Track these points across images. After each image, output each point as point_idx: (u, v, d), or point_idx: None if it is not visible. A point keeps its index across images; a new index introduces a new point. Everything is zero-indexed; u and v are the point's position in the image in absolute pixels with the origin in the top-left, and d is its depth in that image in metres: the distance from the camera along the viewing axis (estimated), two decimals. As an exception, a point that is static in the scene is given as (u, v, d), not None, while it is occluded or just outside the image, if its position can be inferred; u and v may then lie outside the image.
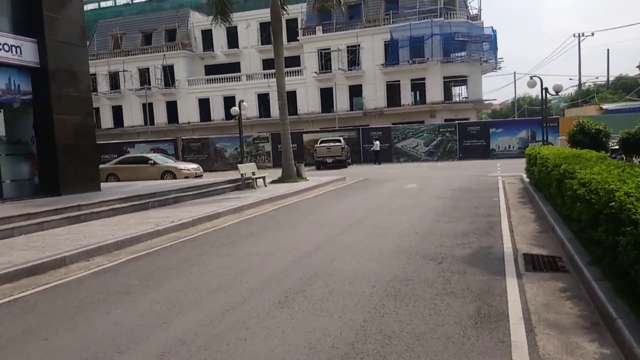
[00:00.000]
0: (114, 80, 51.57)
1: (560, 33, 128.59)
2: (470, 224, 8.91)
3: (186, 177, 23.42)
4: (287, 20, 48.24)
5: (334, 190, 17.00)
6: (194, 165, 24.92)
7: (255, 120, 46.61)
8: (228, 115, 48.11)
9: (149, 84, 49.69)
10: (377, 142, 33.70)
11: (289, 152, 20.09)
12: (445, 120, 39.80)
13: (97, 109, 52.14)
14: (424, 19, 41.94)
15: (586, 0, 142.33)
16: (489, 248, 7.03)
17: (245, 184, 17.34)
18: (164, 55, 49.14)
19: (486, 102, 47.34)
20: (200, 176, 24.19)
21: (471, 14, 46.33)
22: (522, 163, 26.63)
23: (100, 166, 26.64)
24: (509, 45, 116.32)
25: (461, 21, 42.86)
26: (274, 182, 19.41)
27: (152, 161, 23.97)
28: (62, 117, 13.87)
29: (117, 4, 67.51)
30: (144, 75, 50.49)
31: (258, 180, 17.97)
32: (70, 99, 14.23)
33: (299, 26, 46.69)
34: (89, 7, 68.02)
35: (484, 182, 17.03)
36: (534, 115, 64.23)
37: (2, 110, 13.74)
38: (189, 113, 49.47)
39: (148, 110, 49.71)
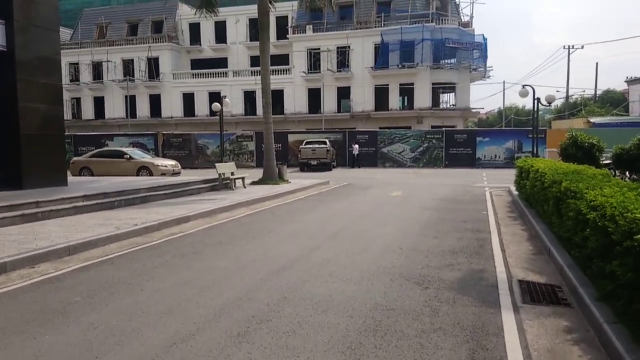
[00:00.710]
0: (97, 71, 50.14)
1: (549, 45, 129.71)
2: (458, 241, 8.25)
3: (163, 174, 22.47)
4: (277, 18, 47.54)
5: (315, 194, 16.26)
6: (172, 162, 23.96)
7: (240, 118, 45.70)
8: (213, 111, 47.07)
9: (133, 76, 48.44)
10: (356, 146, 33.20)
11: (271, 153, 19.30)
12: (432, 127, 39.35)
13: (78, 99, 50.87)
14: (415, 23, 41.46)
15: (577, 14, 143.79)
16: (480, 272, 6.35)
17: (223, 184, 16.51)
18: (150, 47, 47.94)
19: (473, 110, 47.07)
20: (178, 173, 23.27)
21: (463, 20, 45.96)
22: (508, 174, 26.24)
23: (74, 159, 25.73)
24: (497, 55, 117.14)
25: (452, 27, 42.48)
26: (254, 183, 18.61)
27: (128, 156, 22.95)
28: (28, 105, 12.93)
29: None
30: (128, 67, 49.21)
31: (237, 181, 17.15)
32: (39, 86, 13.29)
33: (289, 24, 45.89)
34: (75, -6, 66.48)
35: (471, 193, 16.46)
36: (520, 125, 64.34)
37: (-40, 94, 12.70)
38: (172, 107, 48.32)
39: (130, 102, 48.51)
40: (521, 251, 7.62)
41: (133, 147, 36.40)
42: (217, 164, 16.71)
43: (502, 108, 73.48)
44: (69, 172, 24.50)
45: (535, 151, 18.98)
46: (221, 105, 19.74)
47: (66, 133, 41.73)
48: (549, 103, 18.42)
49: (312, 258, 7.00)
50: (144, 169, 22.59)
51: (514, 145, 33.43)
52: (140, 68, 48.48)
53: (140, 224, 9.18)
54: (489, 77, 48.29)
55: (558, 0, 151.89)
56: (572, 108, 54.88)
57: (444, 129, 35.39)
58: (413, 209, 12.37)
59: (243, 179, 17.30)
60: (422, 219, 10.67)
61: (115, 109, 49.62)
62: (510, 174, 25.88)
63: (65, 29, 57.21)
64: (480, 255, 7.28)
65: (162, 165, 22.83)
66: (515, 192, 14.76)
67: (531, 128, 41.63)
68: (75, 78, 50.59)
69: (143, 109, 49.21)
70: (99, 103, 50.51)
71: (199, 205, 11.98)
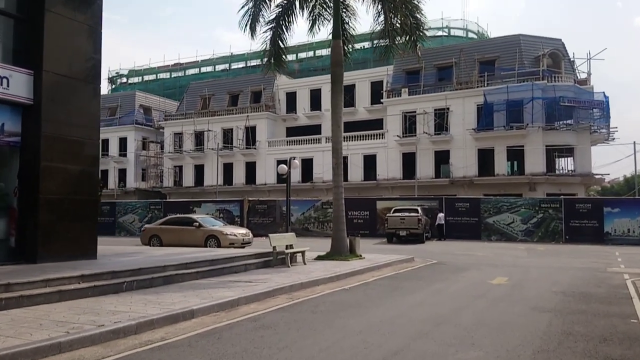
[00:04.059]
0: (198, 140, 51.50)
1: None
2: (604, 396, 4.49)
3: (231, 244, 20.38)
4: (372, 83, 46.19)
5: (389, 277, 12.78)
6: (242, 231, 21.85)
7: (331, 184, 43.39)
8: (304, 178, 45.75)
9: (231, 144, 49.04)
10: (442, 215, 28.95)
11: (341, 222, 16.27)
12: (548, 195, 34.04)
13: (181, 167, 52.35)
14: (523, 81, 37.35)
15: None
16: None
17: (278, 259, 13.68)
18: (248, 116, 48.51)
19: (597, 176, 40.48)
20: (248, 243, 21.07)
21: (579, 77, 40.88)
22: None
23: (145, 226, 24.60)
24: (618, 118, 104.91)
25: (567, 85, 37.67)
26: (320, 258, 15.60)
27: (198, 223, 21.23)
28: (52, 165, 11.33)
29: (216, 70, 69.84)
30: (227, 136, 50.03)
31: (297, 254, 14.29)
32: (69, 144, 11.75)
33: (384, 88, 43.98)
34: (190, 72, 71.23)
35: (605, 283, 11.98)
36: (650, 195, 55.10)
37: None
38: (266, 174, 47.75)
39: (227, 170, 49.02)
40: None
41: (220, 213, 35.65)
42: (270, 235, 13.98)
43: (629, 175, 64.33)
44: (139, 240, 23.74)
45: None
46: (289, 167, 17.38)
47: (159, 200, 42.56)
48: None
49: None
50: (212, 238, 20.71)
51: (651, 217, 27.31)
52: (238, 137, 48.96)
53: (111, 324, 6.51)
54: (613, 139, 41.93)
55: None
56: None
57: (562, 197, 30.13)
58: (522, 309, 8.50)
59: (303, 253, 14.35)
60: (536, 332, 6.85)
61: (213, 176, 50.08)
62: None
63: (175, 102, 60.70)
64: None
65: (231, 235, 20.78)
66: (677, 286, 10.26)
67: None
68: (179, 146, 52.38)
69: (239, 176, 49.27)
70: (199, 171, 51.55)
71: (224, 292, 9.15)
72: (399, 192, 38.85)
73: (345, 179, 43.07)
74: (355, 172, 43.43)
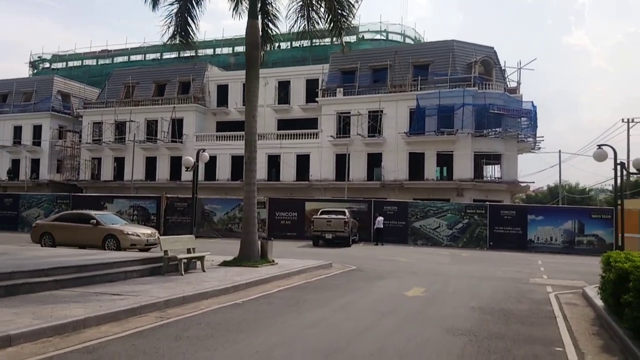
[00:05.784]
0: (120, 130, 47.91)
1: (599, 124, 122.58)
2: None
3: (133, 245, 18.28)
4: (307, 81, 44.77)
5: (296, 287, 11.28)
6: (148, 231, 19.62)
7: (262, 183, 41.16)
8: (235, 176, 43.53)
9: (156, 137, 45.95)
10: (380, 219, 27.90)
11: (252, 224, 14.56)
12: (474, 201, 34.03)
13: (99, 159, 48.62)
14: (455, 87, 37.31)
15: (627, 95, 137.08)
16: None
17: (170, 266, 11.83)
18: (174, 107, 45.63)
19: (522, 184, 41.37)
20: (154, 244, 18.90)
21: (509, 86, 41.52)
22: (571, 263, 20.47)
23: (36, 222, 21.81)
24: (543, 131, 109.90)
25: (497, 92, 38.01)
26: (225, 263, 13.86)
27: (95, 221, 18.83)
28: None
29: (147, 59, 65.80)
30: (151, 127, 46.83)
31: (196, 260, 12.50)
32: None
33: (319, 87, 42.72)
34: (118, 59, 66.69)
35: (528, 297, 11.08)
36: (573, 204, 57.57)
37: None
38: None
39: (151, 164, 46.04)
40: None
41: (134, 210, 33.01)
42: (161, 238, 12.11)
43: (552, 184, 67.09)
44: (29, 238, 20.97)
45: (619, 238, 13.43)
46: (196, 160, 15.49)
47: (67, 193, 38.74)
48: (639, 170, 13.22)
49: None
50: (111, 238, 18.41)
51: (574, 226, 27.65)
52: (163, 129, 45.98)
53: None
54: (539, 148, 42.97)
55: (607, 80, 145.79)
56: (633, 187, 48.31)
57: (487, 203, 30.06)
58: (433, 331, 7.25)
59: (202, 259, 12.56)
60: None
61: (135, 170, 46.77)
62: (574, 263, 20.21)
63: (99, 90, 56.38)
64: None
65: (133, 234, 18.56)
66: (600, 303, 9.46)
67: (594, 207, 35.64)
68: (98, 136, 48.59)
69: (163, 171, 46.32)
70: (119, 164, 48.09)
71: (73, 309, 7.24)
72: (331, 194, 37.69)
73: (278, 179, 42.34)
74: (288, 172, 41.89)
